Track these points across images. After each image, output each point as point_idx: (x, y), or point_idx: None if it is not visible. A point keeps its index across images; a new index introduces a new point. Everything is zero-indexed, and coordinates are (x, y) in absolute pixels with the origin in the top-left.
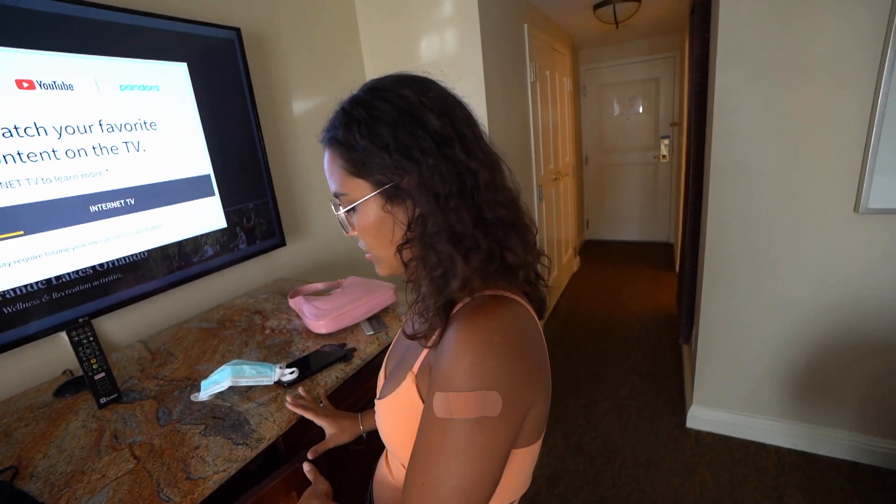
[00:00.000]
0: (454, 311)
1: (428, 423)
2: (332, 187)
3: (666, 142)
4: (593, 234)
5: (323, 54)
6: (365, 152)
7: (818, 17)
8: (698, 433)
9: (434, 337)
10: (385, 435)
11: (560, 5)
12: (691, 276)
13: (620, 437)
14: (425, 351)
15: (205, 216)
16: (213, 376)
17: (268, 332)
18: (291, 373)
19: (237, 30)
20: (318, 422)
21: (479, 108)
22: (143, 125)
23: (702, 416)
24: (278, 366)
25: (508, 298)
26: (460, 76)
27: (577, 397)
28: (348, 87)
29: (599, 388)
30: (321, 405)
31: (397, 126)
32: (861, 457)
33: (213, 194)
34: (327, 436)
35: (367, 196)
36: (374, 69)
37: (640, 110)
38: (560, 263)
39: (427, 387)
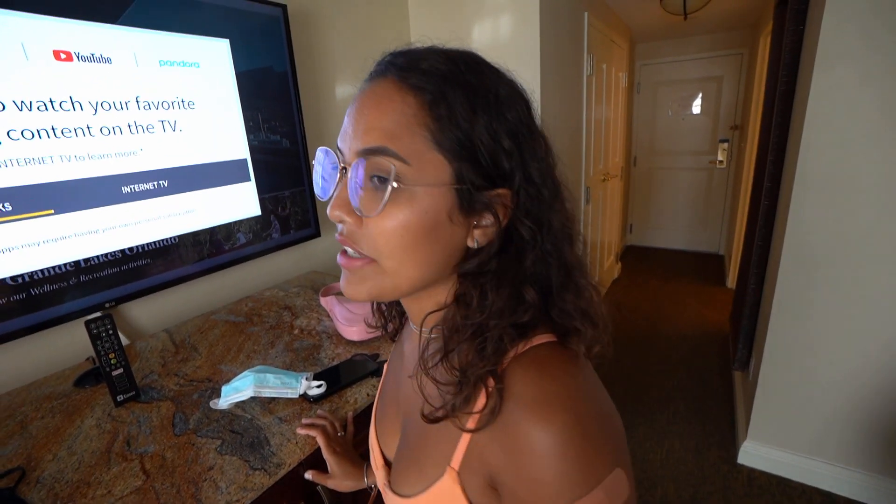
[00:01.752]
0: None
1: None
2: (376, 138)
3: (724, 146)
4: (636, 239)
5: (369, 36)
6: (474, 131)
7: None
8: (751, 471)
9: (480, 416)
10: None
11: None
12: (755, 296)
13: (661, 467)
14: (466, 437)
15: (239, 202)
16: (235, 382)
17: (296, 331)
18: (319, 386)
19: (283, 6)
20: (326, 455)
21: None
22: (180, 104)
23: (756, 453)
24: (304, 376)
25: (556, 342)
26: (514, 66)
27: None
28: None
29: (638, 410)
30: (340, 435)
31: (522, 123)
32: None
33: (249, 180)
34: (330, 471)
35: (442, 184)
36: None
37: (698, 111)
38: (601, 270)
39: (481, 486)
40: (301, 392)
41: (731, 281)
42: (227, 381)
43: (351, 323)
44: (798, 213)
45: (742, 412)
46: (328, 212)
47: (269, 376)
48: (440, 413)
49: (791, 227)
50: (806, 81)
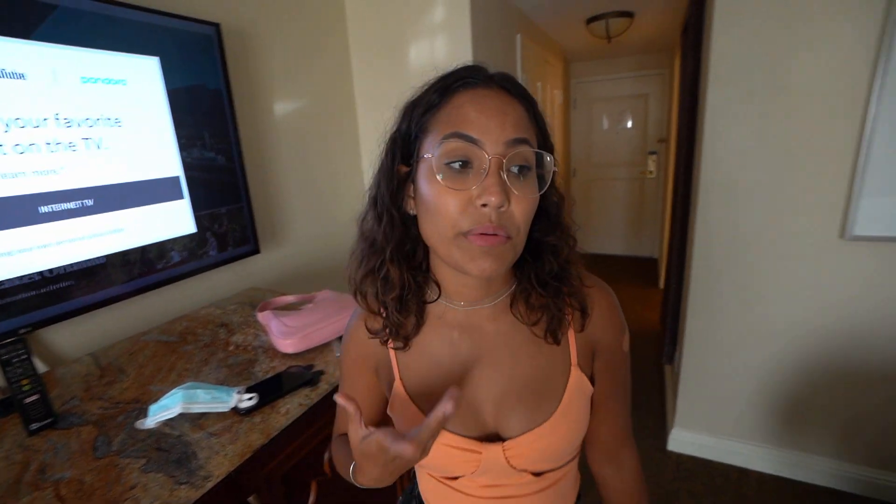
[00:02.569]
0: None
1: (622, 365)
2: (520, 131)
3: (653, 158)
4: (579, 247)
5: (309, 55)
6: (548, 132)
7: (808, 41)
8: (679, 456)
9: (577, 317)
10: (550, 455)
11: (553, 18)
12: (676, 295)
13: None
14: (573, 339)
15: (172, 220)
16: (163, 401)
17: (231, 348)
18: (250, 398)
19: (217, 25)
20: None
21: None
22: (106, 121)
23: (683, 439)
24: (236, 390)
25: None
26: None
27: None
28: (335, 89)
29: None
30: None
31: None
32: (842, 484)
33: (183, 197)
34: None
35: (550, 170)
36: (362, 72)
37: (629, 125)
38: None
39: (588, 361)
40: (232, 405)
41: (663, 282)
42: (156, 400)
43: (286, 336)
44: (704, 217)
45: (670, 402)
46: (489, 198)
47: (200, 392)
48: (559, 331)
49: (699, 231)
50: (703, 99)
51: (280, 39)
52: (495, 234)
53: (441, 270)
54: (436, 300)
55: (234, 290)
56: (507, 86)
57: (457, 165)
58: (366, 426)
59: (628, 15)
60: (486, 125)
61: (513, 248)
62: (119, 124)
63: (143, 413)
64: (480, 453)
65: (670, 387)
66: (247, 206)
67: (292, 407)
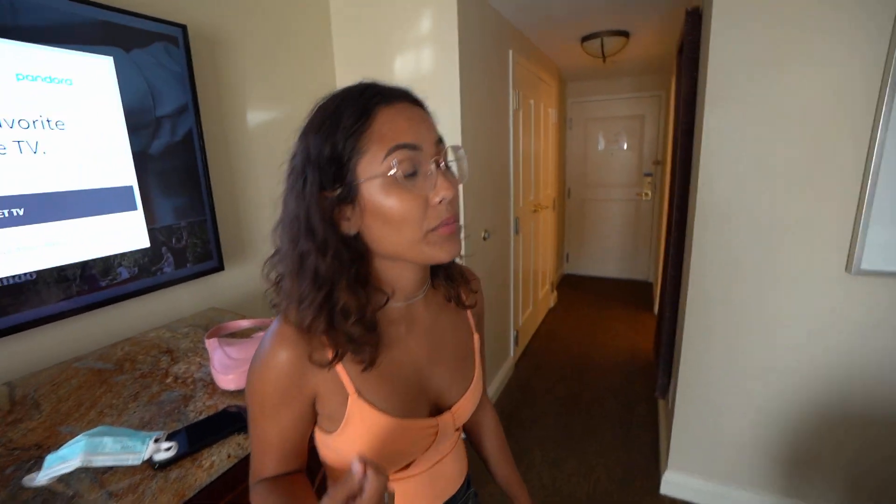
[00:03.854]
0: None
1: (483, 325)
2: (436, 132)
3: (648, 180)
4: (573, 268)
5: (290, 64)
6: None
7: (810, 62)
8: (673, 501)
9: (470, 297)
10: (473, 406)
11: (547, 35)
12: (671, 323)
13: (588, 501)
14: (470, 313)
15: (122, 233)
16: (63, 450)
17: (169, 380)
18: (168, 448)
19: (183, 27)
20: None
21: (452, 131)
22: (45, 123)
23: (677, 483)
24: (153, 437)
25: None
26: (435, 97)
27: (543, 451)
28: (317, 100)
29: (569, 443)
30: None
31: None
32: None
33: (136, 209)
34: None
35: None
36: (347, 83)
37: (625, 147)
38: (535, 299)
39: (475, 325)
40: (146, 457)
41: (658, 308)
42: (57, 448)
43: (227, 370)
44: (700, 245)
45: (664, 441)
46: (445, 194)
47: (107, 440)
48: (470, 304)
49: (695, 260)
50: (700, 121)
51: (260, 48)
52: (454, 221)
53: (387, 274)
54: (384, 303)
55: (192, 310)
56: (412, 97)
57: (408, 175)
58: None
59: (623, 34)
60: (417, 131)
61: (461, 228)
62: (61, 127)
63: (39, 465)
64: (437, 426)
65: (664, 423)
66: (211, 219)
67: (219, 460)
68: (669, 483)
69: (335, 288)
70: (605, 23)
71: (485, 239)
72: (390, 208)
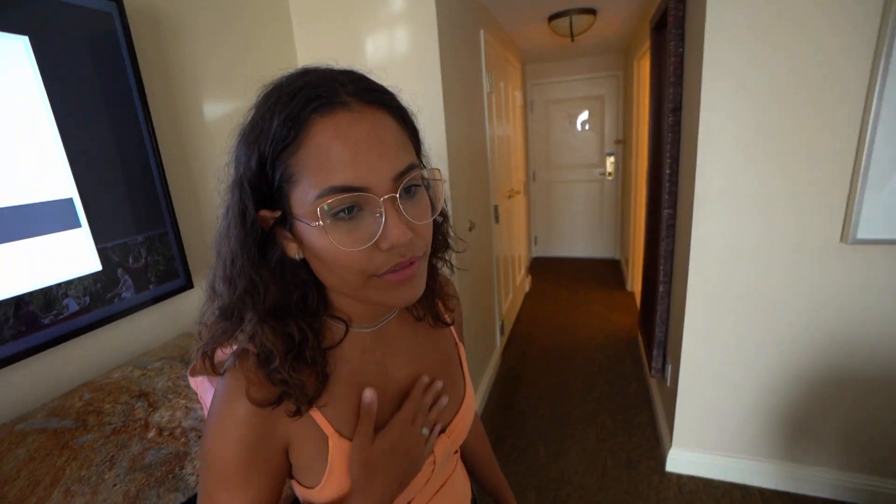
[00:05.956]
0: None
1: (462, 331)
2: (405, 160)
3: (611, 159)
4: (542, 251)
5: (245, 48)
6: (417, 128)
7: (805, 30)
8: (680, 478)
9: (448, 314)
10: (468, 424)
11: (515, 14)
12: (665, 304)
13: (599, 489)
14: (452, 329)
15: (64, 257)
16: None
17: (152, 434)
18: None
19: (118, 1)
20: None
21: (435, 118)
22: None
23: (682, 459)
24: None
25: None
26: (415, 81)
27: (546, 443)
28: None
29: (568, 431)
30: None
31: None
32: (843, 495)
33: (79, 226)
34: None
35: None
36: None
37: (587, 127)
38: (514, 285)
39: (456, 335)
40: None
41: (631, 284)
42: None
43: None
44: (700, 224)
45: (663, 419)
46: (397, 241)
47: None
48: (441, 316)
49: (696, 239)
50: (695, 97)
51: (209, 28)
52: (410, 264)
53: (347, 303)
54: (345, 335)
55: (161, 340)
56: (368, 97)
57: (344, 214)
58: None
59: (591, 12)
60: (365, 164)
61: (426, 259)
62: None
63: None
64: (433, 454)
65: (661, 402)
66: (172, 230)
67: None
68: (675, 460)
69: (259, 322)
70: (574, 0)
71: (470, 230)
72: (324, 251)
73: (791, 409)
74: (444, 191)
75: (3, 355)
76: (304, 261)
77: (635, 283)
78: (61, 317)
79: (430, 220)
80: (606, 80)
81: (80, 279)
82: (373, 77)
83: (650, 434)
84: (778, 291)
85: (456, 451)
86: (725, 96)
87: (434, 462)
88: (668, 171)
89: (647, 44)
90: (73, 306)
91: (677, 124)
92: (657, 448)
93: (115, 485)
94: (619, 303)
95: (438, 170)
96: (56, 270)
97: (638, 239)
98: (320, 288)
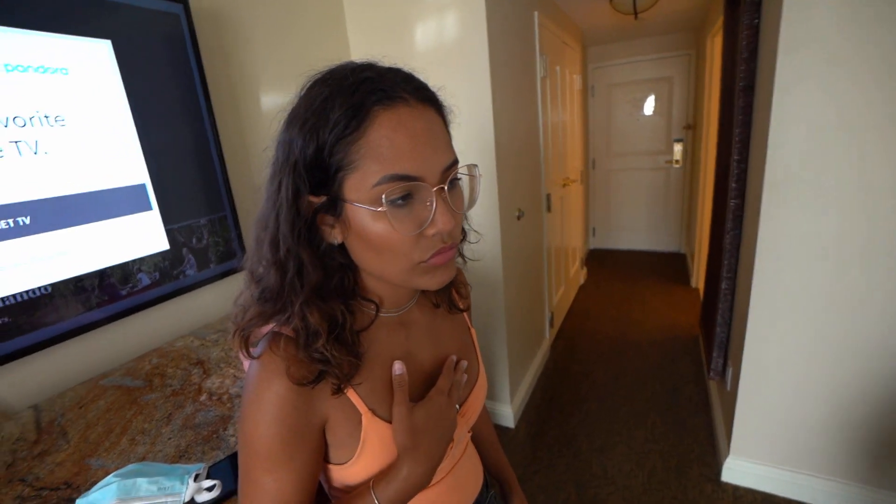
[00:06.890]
0: None
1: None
2: (453, 154)
3: (679, 146)
4: (599, 243)
5: (300, 39)
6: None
7: None
8: (736, 489)
9: (462, 301)
10: (481, 404)
11: None
12: (727, 302)
13: (644, 491)
14: (465, 315)
15: (139, 236)
16: (92, 494)
17: (203, 397)
18: (211, 488)
19: (184, 3)
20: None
21: (482, 105)
22: (43, 119)
23: (741, 469)
24: (194, 472)
25: None
26: (462, 67)
27: (589, 438)
28: (306, 78)
29: (615, 428)
30: None
31: None
32: None
33: (151, 209)
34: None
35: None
36: (362, 57)
37: (652, 112)
38: (567, 277)
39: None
40: (187, 499)
41: (696, 280)
42: (88, 489)
43: None
44: (770, 217)
45: (722, 425)
46: (443, 228)
47: (142, 482)
48: (456, 303)
49: (764, 233)
50: (768, 73)
51: (267, 22)
52: (451, 248)
53: (378, 287)
54: (375, 317)
55: (219, 314)
56: (420, 95)
57: (400, 201)
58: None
59: None
60: (422, 156)
61: (458, 249)
62: (62, 123)
63: None
64: None
65: (720, 406)
66: (231, 214)
67: None
68: (732, 470)
69: (307, 303)
70: None
71: (518, 218)
72: (377, 236)
73: (871, 426)
74: (484, 179)
75: (90, 320)
76: (340, 245)
77: (701, 279)
78: (136, 289)
79: (465, 212)
80: (676, 60)
81: (151, 256)
82: (420, 77)
83: (705, 440)
84: (863, 293)
85: (469, 432)
86: (804, 70)
87: (452, 441)
88: (735, 158)
89: (721, 19)
90: (146, 280)
91: (748, 106)
92: (712, 455)
93: (169, 438)
94: (680, 299)
95: (476, 165)
96: (132, 248)
97: (705, 232)
98: (355, 272)
